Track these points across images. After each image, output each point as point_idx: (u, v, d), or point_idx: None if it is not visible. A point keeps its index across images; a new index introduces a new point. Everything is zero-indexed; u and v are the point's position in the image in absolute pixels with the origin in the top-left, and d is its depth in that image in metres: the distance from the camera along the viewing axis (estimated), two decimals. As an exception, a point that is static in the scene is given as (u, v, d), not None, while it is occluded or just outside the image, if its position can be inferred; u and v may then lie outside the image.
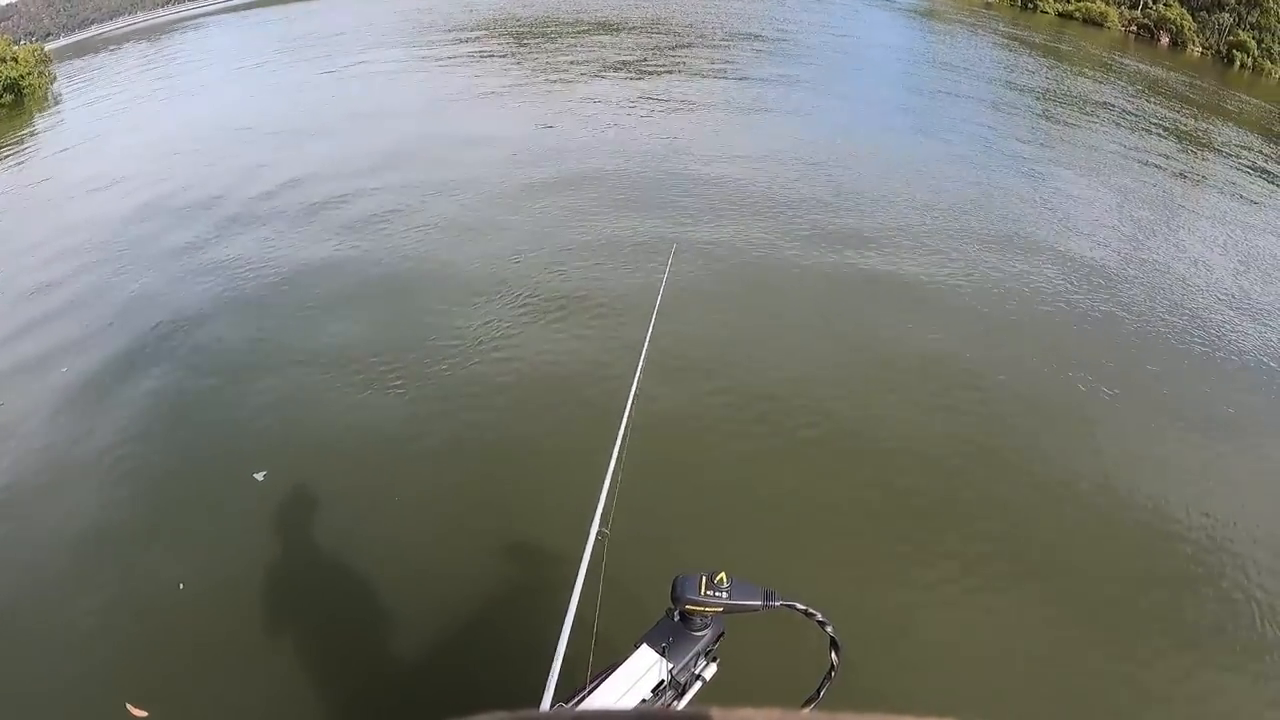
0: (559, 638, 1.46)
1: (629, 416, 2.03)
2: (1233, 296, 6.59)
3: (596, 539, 1.68)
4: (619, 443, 1.95)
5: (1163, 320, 5.96)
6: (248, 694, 2.99)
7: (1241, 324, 6.09)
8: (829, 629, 1.50)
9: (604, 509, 1.77)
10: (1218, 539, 3.93)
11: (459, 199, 7.72)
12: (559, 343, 5.23)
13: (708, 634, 1.55)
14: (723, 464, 4.20)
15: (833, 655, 1.52)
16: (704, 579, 1.47)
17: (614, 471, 1.85)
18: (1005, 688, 3.08)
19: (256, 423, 4.60)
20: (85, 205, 8.88)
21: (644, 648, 1.54)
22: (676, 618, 1.54)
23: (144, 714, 2.73)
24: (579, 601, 1.55)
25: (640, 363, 2.26)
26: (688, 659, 1.53)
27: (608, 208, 7.43)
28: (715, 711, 0.20)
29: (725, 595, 1.46)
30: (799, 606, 1.49)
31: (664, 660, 1.51)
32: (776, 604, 1.48)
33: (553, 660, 1.41)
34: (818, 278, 6.27)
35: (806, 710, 0.21)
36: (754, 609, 1.47)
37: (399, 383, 4.84)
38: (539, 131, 10.27)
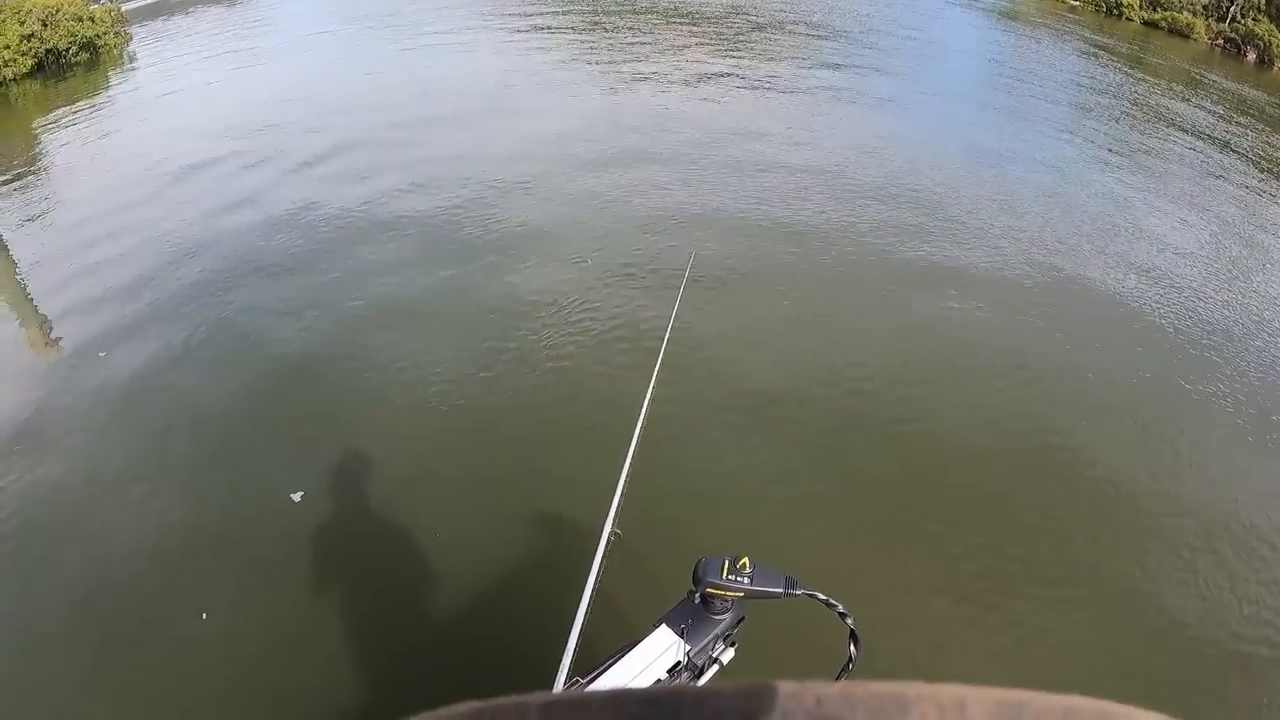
0: (572, 624, 1.49)
1: (647, 405, 2.09)
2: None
3: (610, 536, 1.72)
4: (636, 435, 1.99)
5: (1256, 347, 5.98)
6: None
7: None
8: (849, 621, 1.48)
9: (619, 502, 1.80)
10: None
11: (525, 187, 7.67)
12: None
13: (727, 618, 1.55)
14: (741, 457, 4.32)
15: (851, 648, 1.50)
16: (727, 562, 1.47)
17: (628, 467, 1.89)
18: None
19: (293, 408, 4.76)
20: (145, 168, 8.89)
21: (663, 628, 1.54)
22: (697, 600, 1.54)
23: None
24: (593, 590, 1.57)
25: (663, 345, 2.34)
26: (706, 642, 1.53)
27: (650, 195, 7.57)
28: (689, 689, 0.20)
29: (747, 580, 1.46)
30: (820, 596, 1.47)
31: (682, 641, 1.51)
32: (798, 592, 1.48)
33: (566, 643, 1.45)
34: (875, 270, 6.32)
35: (837, 682, 0.20)
36: (775, 596, 1.48)
37: (424, 372, 4.98)
38: (609, 115, 10.21)
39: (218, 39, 16.49)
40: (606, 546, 1.70)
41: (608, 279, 5.96)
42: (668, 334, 2.71)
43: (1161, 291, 6.69)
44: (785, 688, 0.20)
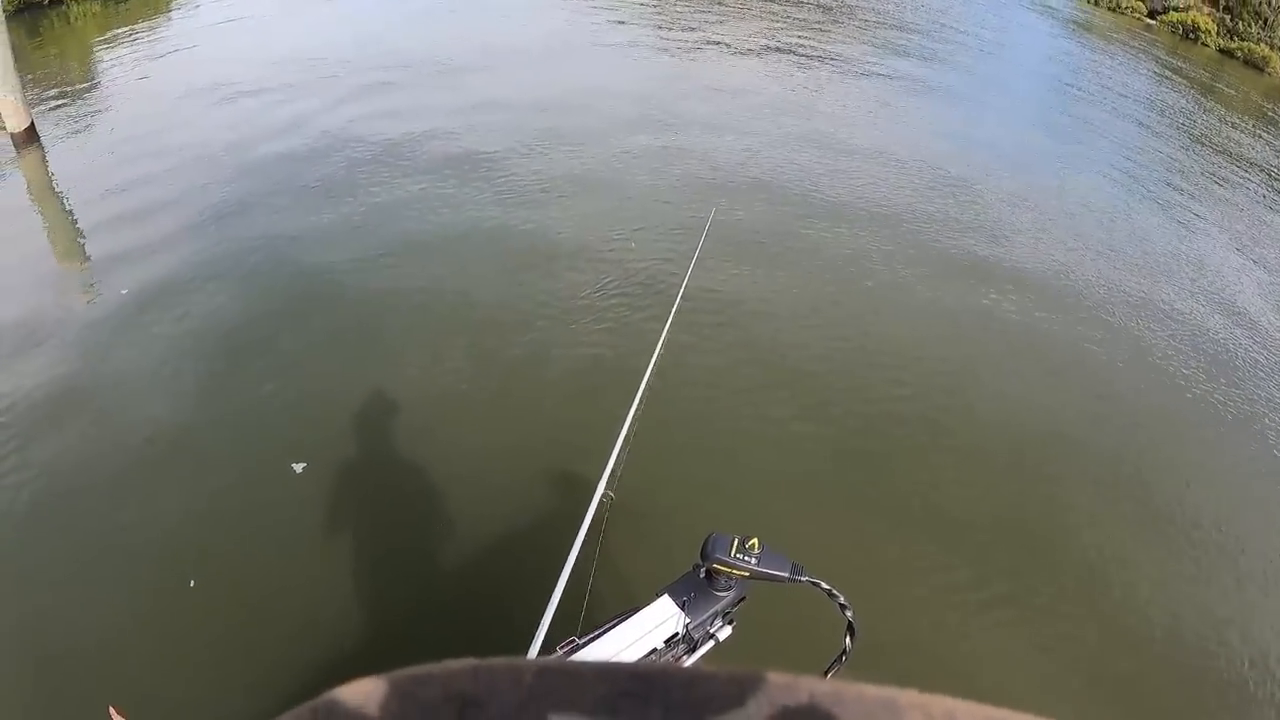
0: (553, 591, 1.53)
1: (649, 377, 2.06)
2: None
3: (602, 500, 1.73)
4: (636, 404, 1.99)
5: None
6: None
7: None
8: (848, 614, 1.50)
9: (613, 470, 1.81)
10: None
11: (573, 151, 7.54)
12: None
13: (729, 595, 1.57)
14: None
15: (847, 640, 1.52)
16: (736, 541, 1.49)
17: (628, 432, 1.89)
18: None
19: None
20: (193, 93, 8.88)
21: (665, 598, 1.56)
22: (702, 575, 1.56)
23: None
24: (577, 558, 1.61)
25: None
26: (705, 617, 1.54)
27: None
28: (680, 669, 0.21)
29: (754, 561, 1.48)
30: (823, 585, 1.49)
31: (682, 614, 1.53)
32: (803, 579, 1.48)
33: (544, 611, 1.48)
34: (926, 261, 6.21)
35: (828, 676, 0.18)
36: (780, 579, 1.49)
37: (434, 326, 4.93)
38: (671, 78, 10.12)
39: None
40: (599, 510, 1.71)
41: (643, 246, 5.83)
42: (681, 291, 2.65)
43: (1221, 321, 6.44)
44: (777, 679, 0.20)
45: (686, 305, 5.25)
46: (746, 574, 1.50)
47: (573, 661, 0.22)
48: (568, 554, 1.64)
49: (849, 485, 4.09)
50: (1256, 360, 6.04)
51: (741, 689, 0.20)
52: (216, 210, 6.28)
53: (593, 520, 1.71)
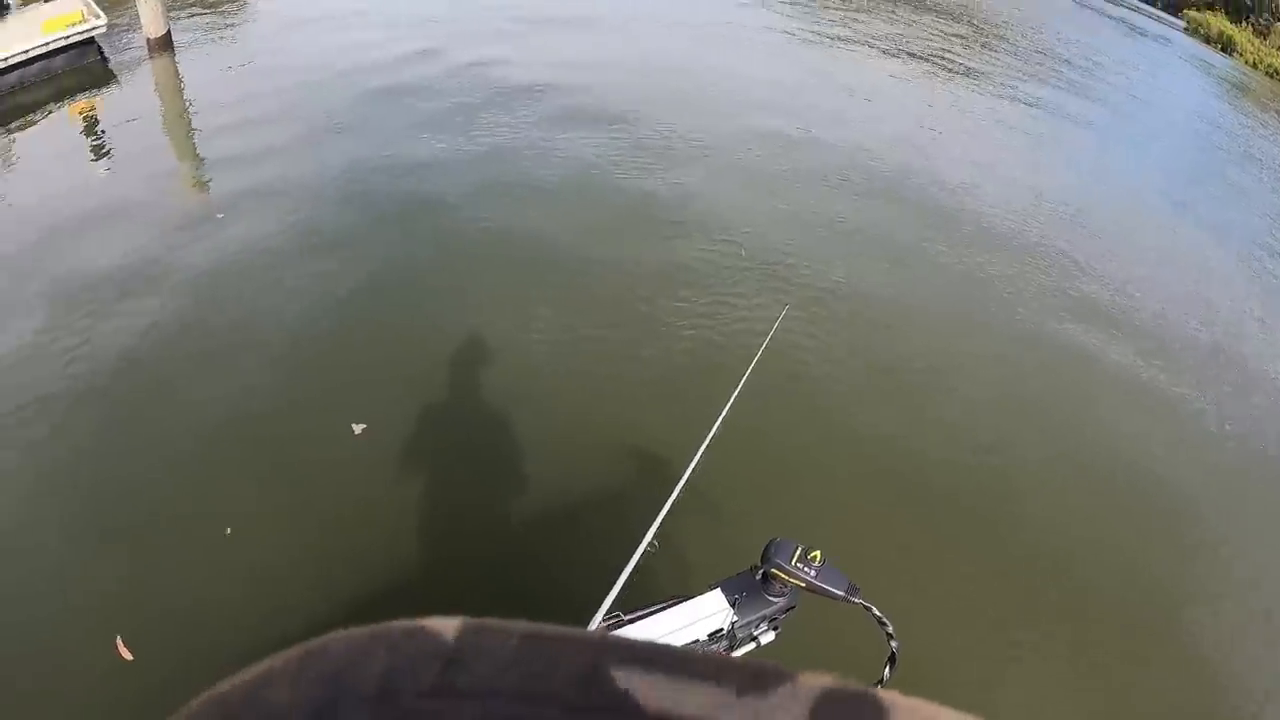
0: (621, 570, 1.54)
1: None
2: None
3: (681, 491, 1.73)
4: (731, 399, 1.99)
5: None
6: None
7: None
8: (894, 644, 1.50)
9: (696, 463, 1.81)
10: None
11: (691, 136, 7.23)
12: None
13: (781, 602, 1.56)
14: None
15: (886, 670, 1.50)
16: (799, 550, 1.49)
17: (717, 428, 1.89)
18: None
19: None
20: (319, 32, 8.83)
21: (717, 592, 1.56)
22: (759, 577, 1.56)
23: (130, 657, 2.64)
24: (652, 538, 1.61)
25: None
26: (754, 618, 1.54)
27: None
28: (724, 658, 0.21)
29: (813, 573, 1.47)
30: (875, 611, 1.47)
31: (731, 611, 1.53)
32: (856, 601, 1.46)
33: (608, 591, 1.49)
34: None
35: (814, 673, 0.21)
36: (834, 596, 1.47)
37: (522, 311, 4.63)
38: (807, 80, 9.81)
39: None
40: (677, 499, 1.71)
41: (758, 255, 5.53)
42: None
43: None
44: (768, 666, 0.21)
45: (804, 301, 5.01)
46: (802, 584, 1.49)
47: (562, 628, 0.21)
48: (640, 538, 1.63)
49: (927, 519, 3.82)
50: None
51: (728, 672, 0.20)
52: (329, 131, 6.26)
53: (670, 509, 1.69)
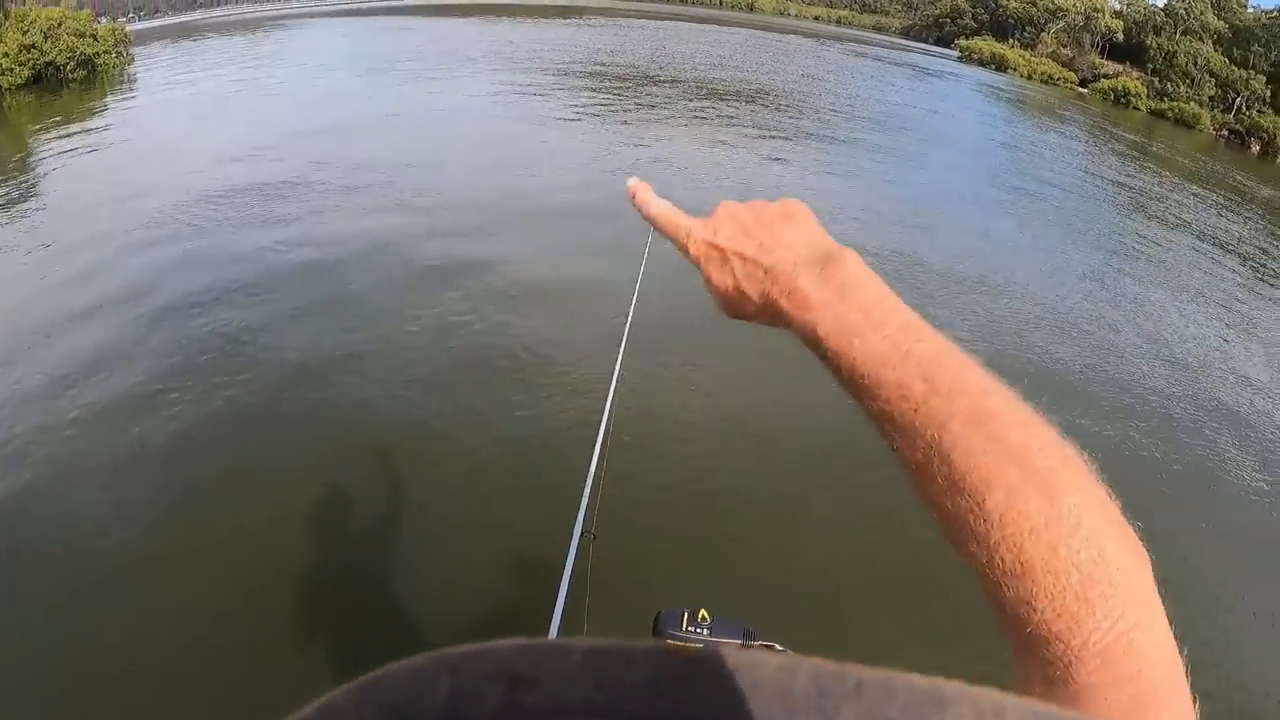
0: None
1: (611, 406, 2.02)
2: None
3: (581, 539, 1.69)
4: (600, 439, 1.93)
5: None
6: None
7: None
8: None
9: (588, 506, 1.76)
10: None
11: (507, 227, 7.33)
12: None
13: None
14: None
15: None
16: (685, 614, 1.48)
17: (597, 468, 1.84)
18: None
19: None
20: (120, 189, 8.49)
21: None
22: None
23: None
24: (565, 602, 1.52)
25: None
26: None
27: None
28: (731, 653, 0.21)
29: (707, 634, 1.47)
30: (778, 648, 1.42)
31: None
32: (755, 644, 1.44)
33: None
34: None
35: (816, 658, 0.21)
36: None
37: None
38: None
39: (223, 67, 16.40)
40: (577, 556, 1.66)
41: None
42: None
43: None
44: (825, 665, 0.21)
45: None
46: (700, 645, 1.36)
47: (622, 641, 0.21)
48: (555, 597, 1.56)
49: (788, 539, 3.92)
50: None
51: (790, 674, 0.20)
52: (133, 312, 5.74)
53: (576, 561, 1.64)
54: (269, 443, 4.26)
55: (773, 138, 13.22)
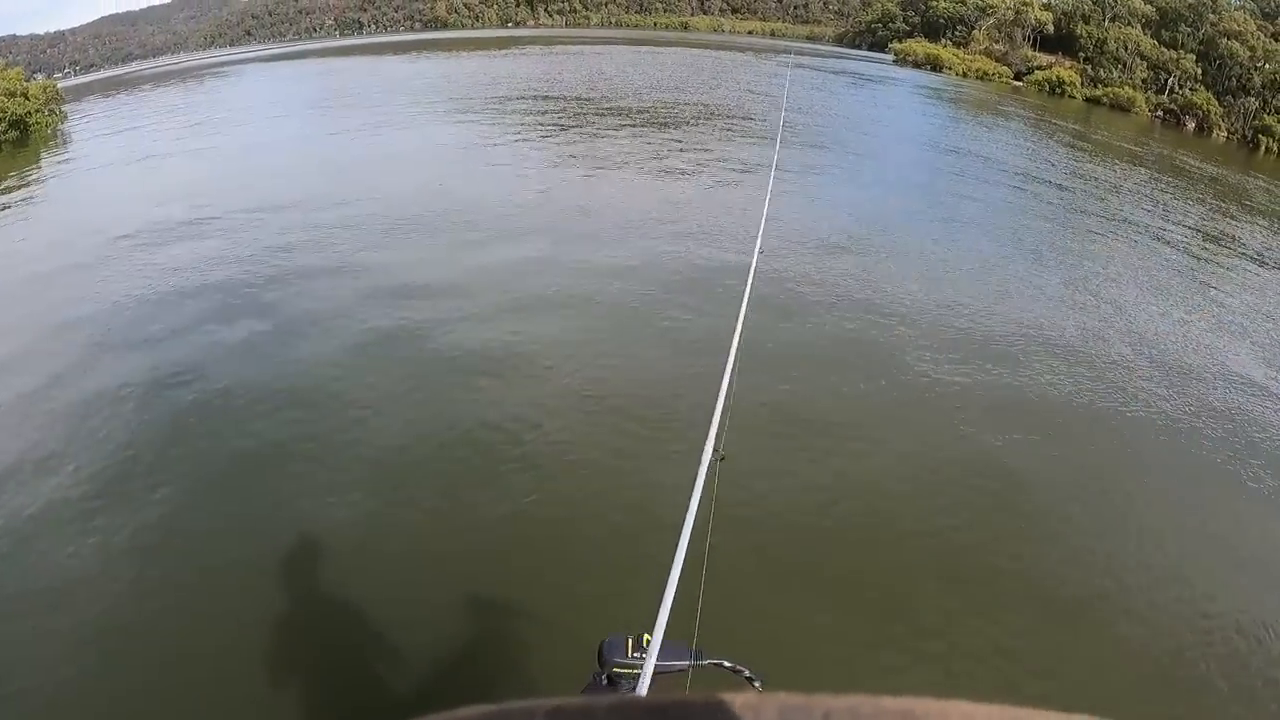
0: (669, 575, 1.41)
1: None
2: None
3: (711, 461, 1.65)
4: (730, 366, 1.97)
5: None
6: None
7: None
8: (757, 684, 1.51)
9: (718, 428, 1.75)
10: None
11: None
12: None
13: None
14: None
15: None
16: (629, 640, 1.48)
17: (726, 394, 1.85)
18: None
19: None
20: (55, 258, 8.31)
21: None
22: (604, 681, 1.53)
23: None
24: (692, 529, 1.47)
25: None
26: None
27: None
28: (696, 699, 0.22)
29: (654, 658, 1.42)
30: (727, 664, 1.49)
31: None
32: (705, 662, 1.48)
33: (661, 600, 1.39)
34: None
35: (783, 693, 0.21)
36: (684, 668, 1.47)
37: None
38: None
39: (159, 119, 16.23)
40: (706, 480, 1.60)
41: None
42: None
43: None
44: (791, 699, 0.21)
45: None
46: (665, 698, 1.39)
47: (585, 699, 0.21)
48: (683, 527, 1.49)
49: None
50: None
51: (757, 713, 0.20)
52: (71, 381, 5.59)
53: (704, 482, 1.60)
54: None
55: (719, 163, 13.28)
